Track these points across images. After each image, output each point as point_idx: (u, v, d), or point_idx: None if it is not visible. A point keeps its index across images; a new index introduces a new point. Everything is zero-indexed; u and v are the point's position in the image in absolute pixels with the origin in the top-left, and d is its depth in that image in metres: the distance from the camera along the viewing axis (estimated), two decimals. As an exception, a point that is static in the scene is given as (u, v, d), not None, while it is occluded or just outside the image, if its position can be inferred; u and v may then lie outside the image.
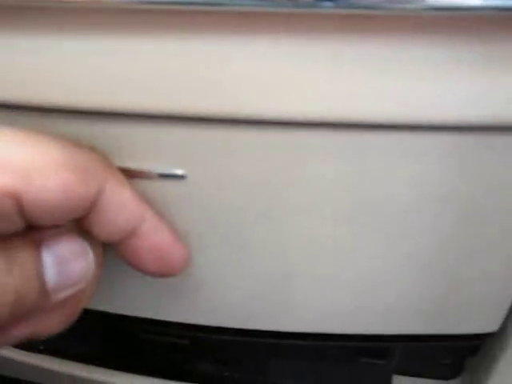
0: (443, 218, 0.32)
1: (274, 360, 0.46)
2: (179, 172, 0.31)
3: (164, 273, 0.27)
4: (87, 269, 0.24)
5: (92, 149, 0.26)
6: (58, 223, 0.23)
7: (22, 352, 0.51)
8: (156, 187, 0.31)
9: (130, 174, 0.30)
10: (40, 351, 0.51)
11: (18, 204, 0.21)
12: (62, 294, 0.24)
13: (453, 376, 0.47)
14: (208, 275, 0.35)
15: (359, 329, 0.39)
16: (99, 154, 0.26)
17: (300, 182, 0.31)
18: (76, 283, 0.24)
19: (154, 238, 0.26)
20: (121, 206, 0.24)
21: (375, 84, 0.27)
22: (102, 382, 0.49)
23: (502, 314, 0.37)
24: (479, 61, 0.28)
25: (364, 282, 0.36)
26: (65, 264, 0.24)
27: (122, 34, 0.28)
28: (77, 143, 0.25)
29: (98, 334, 0.50)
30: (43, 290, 0.23)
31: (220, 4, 0.25)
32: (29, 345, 0.51)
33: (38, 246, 0.23)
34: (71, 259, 0.24)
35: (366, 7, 0.25)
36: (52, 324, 0.26)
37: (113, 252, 0.30)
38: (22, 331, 0.25)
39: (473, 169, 0.31)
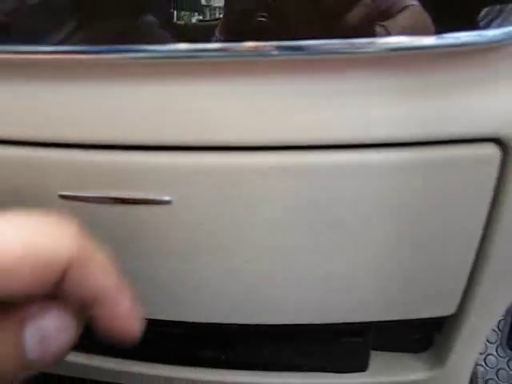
0: (396, 224, 0.38)
1: (263, 343, 0.52)
2: (166, 198, 0.36)
3: (121, 338, 0.26)
4: (69, 341, 0.24)
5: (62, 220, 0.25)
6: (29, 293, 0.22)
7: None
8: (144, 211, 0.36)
9: (123, 202, 0.36)
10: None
11: None
12: (41, 364, 0.24)
13: (422, 350, 0.53)
14: (198, 281, 0.41)
15: (336, 318, 0.45)
16: (69, 224, 0.25)
17: (269, 201, 0.36)
18: (56, 355, 0.24)
19: (113, 309, 0.25)
20: (86, 277, 0.24)
21: (327, 111, 0.33)
22: (111, 369, 0.55)
23: (455, 300, 0.43)
24: (415, 89, 0.33)
25: (335, 281, 0.41)
26: (47, 340, 0.23)
27: (111, 83, 0.33)
28: (48, 214, 0.24)
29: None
30: (22, 363, 0.23)
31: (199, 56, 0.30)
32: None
33: (21, 323, 0.23)
34: (54, 335, 0.24)
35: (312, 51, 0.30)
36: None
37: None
38: None
39: (416, 181, 0.36)
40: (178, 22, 0.35)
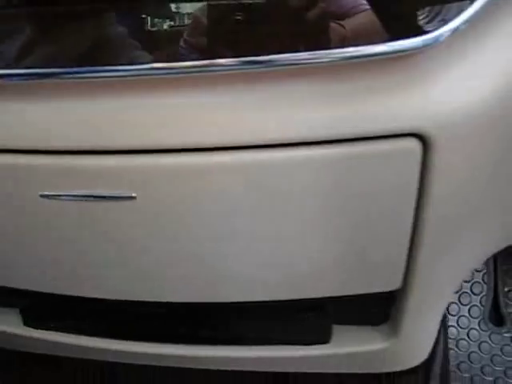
0: (338, 212, 0.43)
1: (233, 320, 0.57)
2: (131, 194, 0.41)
3: None
4: None
5: None
6: None
7: (35, 330, 0.63)
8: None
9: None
10: (51, 328, 0.62)
11: None
12: None
13: (380, 323, 0.58)
14: (165, 265, 0.46)
15: (295, 295, 0.50)
16: None
17: (222, 194, 0.41)
18: None
19: None
20: None
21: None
22: (101, 348, 0.61)
23: (399, 276, 0.48)
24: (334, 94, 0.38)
25: (292, 262, 0.46)
26: None
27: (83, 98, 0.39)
28: None
29: (93, 312, 0.61)
30: None
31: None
32: (42, 323, 0.63)
33: None
34: None
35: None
36: None
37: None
38: None
39: (352, 173, 0.41)
40: (151, 29, 0.40)
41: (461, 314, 0.92)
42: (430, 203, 0.42)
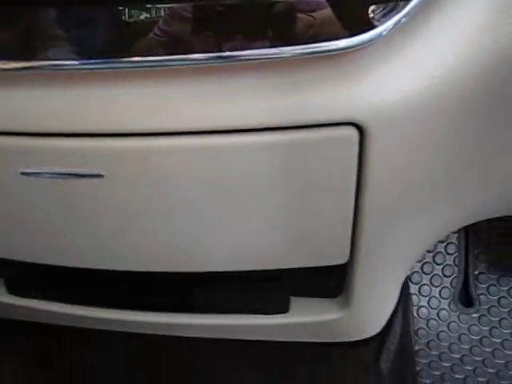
0: (285, 192, 0.47)
1: (195, 290, 0.63)
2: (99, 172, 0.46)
3: None
4: None
5: None
6: None
7: (18, 298, 0.68)
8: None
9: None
10: (33, 296, 0.68)
11: None
12: None
13: (336, 295, 0.63)
14: (132, 237, 0.51)
15: (251, 266, 0.55)
16: None
17: (183, 176, 0.46)
18: None
19: None
20: None
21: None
22: (78, 315, 0.66)
23: (346, 250, 0.53)
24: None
25: (247, 236, 0.51)
26: None
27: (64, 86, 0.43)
28: None
29: (72, 279, 0.66)
30: None
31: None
32: (24, 291, 0.68)
33: None
34: None
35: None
36: None
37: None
38: None
39: (296, 158, 0.45)
40: (128, 20, 0.44)
41: (432, 294, 0.97)
42: (369, 185, 0.46)
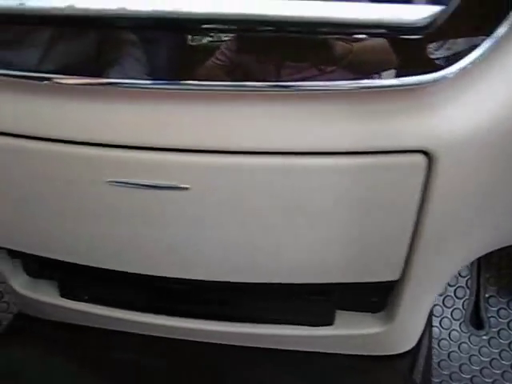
0: (349, 212, 0.51)
1: (247, 300, 0.66)
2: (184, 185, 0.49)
3: None
4: None
5: None
6: None
7: (70, 301, 0.71)
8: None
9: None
10: (85, 300, 0.70)
11: None
12: None
13: (378, 310, 0.67)
14: (206, 248, 0.55)
15: (306, 279, 0.59)
16: None
17: (263, 192, 0.50)
18: None
19: None
20: None
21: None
22: (129, 320, 0.69)
23: (399, 268, 0.57)
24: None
25: (307, 252, 0.55)
26: None
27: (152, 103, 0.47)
28: None
29: (124, 284, 0.69)
30: None
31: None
32: (75, 295, 0.70)
33: None
34: None
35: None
36: None
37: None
38: None
39: (366, 181, 0.49)
40: (192, 43, 0.47)
41: (444, 315, 1.00)
42: (431, 208, 0.50)
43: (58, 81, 0.46)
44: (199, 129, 0.47)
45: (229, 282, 0.58)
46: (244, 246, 0.54)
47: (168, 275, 0.59)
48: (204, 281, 0.59)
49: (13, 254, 0.71)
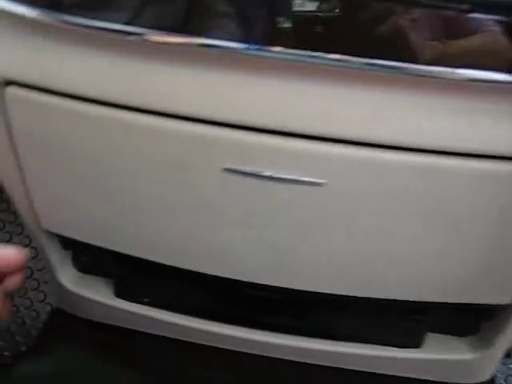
0: (491, 226, 0.46)
1: (337, 315, 0.60)
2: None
3: None
4: None
5: None
6: None
7: (130, 303, 0.63)
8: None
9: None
10: (145, 303, 0.63)
11: None
12: None
13: (469, 334, 0.62)
14: (322, 253, 0.48)
15: (411, 296, 0.53)
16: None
17: (398, 192, 0.44)
18: None
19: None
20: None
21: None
22: (195, 329, 0.62)
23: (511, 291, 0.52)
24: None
25: (428, 264, 0.49)
26: None
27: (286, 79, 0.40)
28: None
29: (192, 290, 0.62)
30: None
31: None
32: (135, 297, 0.63)
33: None
34: None
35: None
36: None
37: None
38: None
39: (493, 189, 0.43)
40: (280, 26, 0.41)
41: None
42: None
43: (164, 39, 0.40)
44: (358, 119, 0.41)
45: (332, 295, 0.52)
46: (369, 256, 0.48)
47: (263, 282, 0.53)
48: (301, 291, 0.53)
49: (64, 244, 0.63)
